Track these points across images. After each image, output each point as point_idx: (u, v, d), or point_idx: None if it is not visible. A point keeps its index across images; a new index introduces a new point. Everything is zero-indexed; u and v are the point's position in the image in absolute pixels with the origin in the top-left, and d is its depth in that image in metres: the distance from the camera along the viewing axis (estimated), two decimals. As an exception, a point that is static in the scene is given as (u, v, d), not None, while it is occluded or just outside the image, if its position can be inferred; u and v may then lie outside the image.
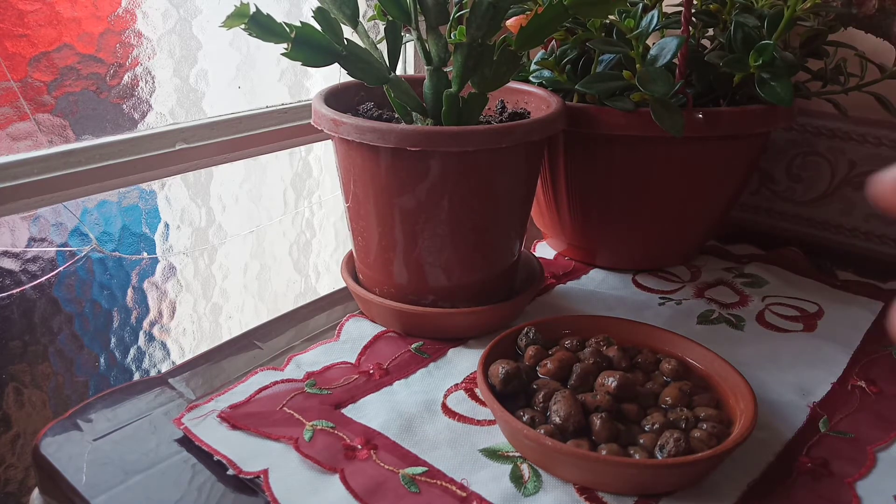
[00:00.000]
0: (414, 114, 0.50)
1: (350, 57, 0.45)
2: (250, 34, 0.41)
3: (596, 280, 0.63)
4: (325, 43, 0.44)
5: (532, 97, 0.57)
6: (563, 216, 0.64)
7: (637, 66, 0.50)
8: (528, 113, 0.56)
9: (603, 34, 0.55)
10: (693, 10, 0.57)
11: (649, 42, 0.53)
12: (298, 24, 0.42)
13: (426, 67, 0.48)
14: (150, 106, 0.58)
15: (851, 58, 0.61)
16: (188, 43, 0.56)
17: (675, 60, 0.53)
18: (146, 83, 0.55)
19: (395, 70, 0.49)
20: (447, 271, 0.50)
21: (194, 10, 0.56)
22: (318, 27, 0.44)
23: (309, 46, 0.43)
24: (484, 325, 0.52)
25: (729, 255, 0.69)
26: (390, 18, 0.48)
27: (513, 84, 0.58)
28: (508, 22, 0.58)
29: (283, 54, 0.42)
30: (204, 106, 0.60)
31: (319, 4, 0.46)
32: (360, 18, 0.49)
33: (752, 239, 0.73)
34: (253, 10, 0.40)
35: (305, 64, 0.44)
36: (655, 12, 0.50)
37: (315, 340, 0.52)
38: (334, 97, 0.53)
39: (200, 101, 0.60)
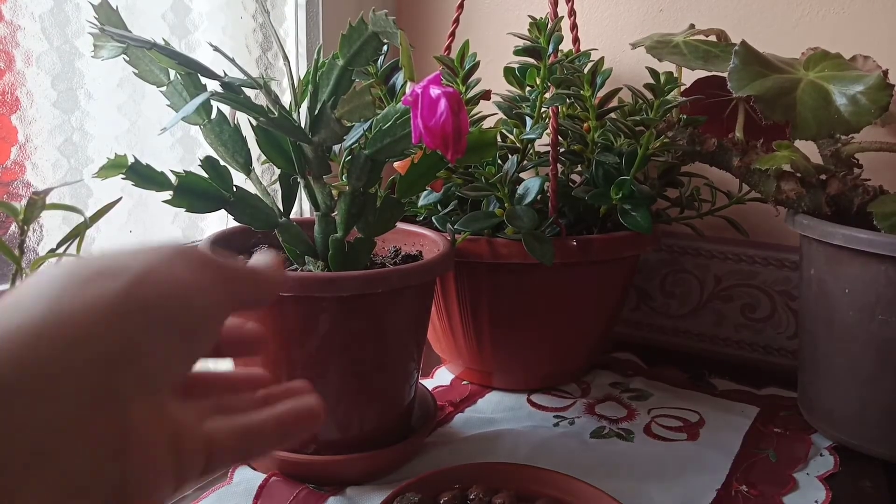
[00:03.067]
0: (307, 258, 0.52)
1: (238, 203, 0.47)
2: (134, 185, 0.42)
3: (492, 403, 0.64)
4: (211, 190, 0.45)
5: (426, 240, 0.59)
6: (458, 341, 0.66)
7: (506, 204, 0.55)
8: (422, 255, 0.57)
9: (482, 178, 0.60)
10: (561, 150, 0.64)
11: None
12: (182, 173, 0.44)
13: (314, 213, 0.50)
14: (36, 254, 0.57)
15: (704, 186, 0.69)
16: (79, 191, 0.57)
17: (549, 194, 0.58)
18: (34, 233, 0.55)
19: (289, 213, 0.50)
20: (333, 419, 0.49)
21: (85, 159, 0.57)
22: (205, 174, 0.45)
23: (193, 194, 0.44)
24: (376, 471, 0.52)
25: (616, 363, 0.74)
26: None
27: (406, 227, 0.60)
28: (396, 164, 0.62)
29: (165, 202, 0.44)
30: (93, 250, 0.60)
31: (212, 153, 0.48)
32: (255, 163, 0.51)
33: (635, 352, 0.77)
34: (131, 160, 0.41)
35: (190, 210, 0.45)
36: (515, 158, 0.55)
37: (206, 487, 0.50)
38: (224, 241, 0.54)
39: (90, 247, 0.60)
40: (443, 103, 0.37)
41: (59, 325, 0.23)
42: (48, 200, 0.46)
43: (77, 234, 0.46)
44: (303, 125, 0.47)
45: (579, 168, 0.68)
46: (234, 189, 0.47)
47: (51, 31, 0.55)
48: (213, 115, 0.48)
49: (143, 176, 0.42)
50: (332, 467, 0.50)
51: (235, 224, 0.54)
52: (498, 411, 0.63)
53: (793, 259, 0.74)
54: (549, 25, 0.59)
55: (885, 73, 0.59)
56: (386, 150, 0.46)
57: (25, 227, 0.46)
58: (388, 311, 0.49)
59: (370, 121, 0.45)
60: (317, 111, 0.45)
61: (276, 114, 0.43)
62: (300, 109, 0.48)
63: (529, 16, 0.62)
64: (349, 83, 0.46)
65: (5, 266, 0.52)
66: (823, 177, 0.61)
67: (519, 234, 0.57)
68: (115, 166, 0.41)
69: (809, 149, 0.62)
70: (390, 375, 0.51)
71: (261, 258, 0.35)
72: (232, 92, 0.44)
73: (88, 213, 0.46)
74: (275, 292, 0.33)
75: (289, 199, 0.51)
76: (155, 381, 0.25)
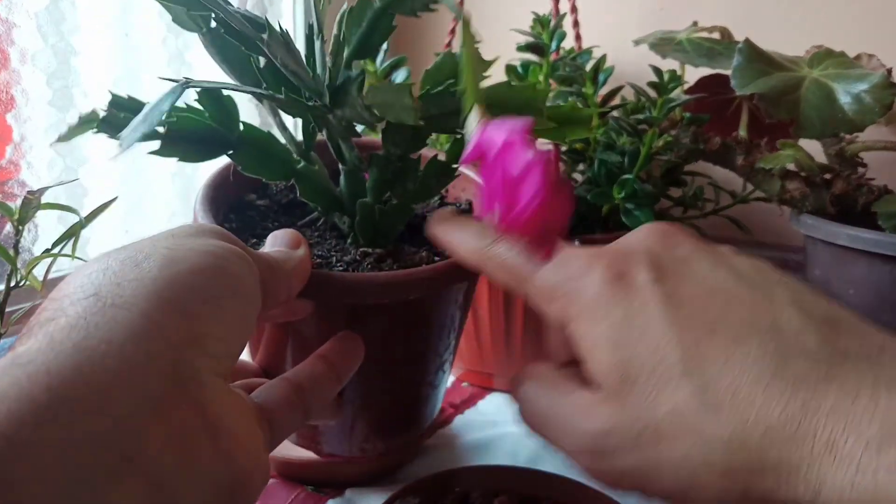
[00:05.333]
0: (336, 214, 0.41)
1: (245, 146, 0.36)
2: (110, 137, 0.33)
3: (493, 405, 0.64)
4: (210, 131, 0.35)
5: (478, 188, 0.44)
6: (459, 342, 0.66)
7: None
8: (471, 208, 0.45)
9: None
10: (563, 149, 0.63)
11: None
12: (173, 116, 0.34)
13: (341, 167, 0.39)
14: (32, 254, 0.56)
15: (707, 185, 0.68)
16: (74, 190, 0.57)
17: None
18: (29, 233, 0.55)
19: (311, 148, 0.39)
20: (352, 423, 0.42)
21: (81, 158, 0.57)
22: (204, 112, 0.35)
23: (187, 139, 0.34)
24: (375, 472, 0.51)
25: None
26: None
27: (463, 168, 0.45)
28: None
29: (151, 153, 0.34)
30: (88, 250, 0.59)
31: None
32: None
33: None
34: (103, 113, 0.33)
35: (183, 160, 0.35)
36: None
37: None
38: (222, 190, 0.41)
39: (85, 247, 0.59)
40: (536, 178, 0.25)
41: (112, 323, 0.21)
42: (43, 200, 0.45)
43: (72, 233, 0.46)
44: (320, 68, 0.35)
45: (581, 167, 0.67)
46: (242, 126, 0.36)
47: (46, 28, 0.54)
48: (214, 24, 0.35)
49: (121, 128, 0.32)
50: (332, 469, 0.50)
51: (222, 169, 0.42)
52: (499, 413, 0.62)
53: (797, 259, 0.73)
54: (552, 22, 0.59)
55: (890, 71, 0.58)
56: (433, 121, 0.36)
57: (20, 227, 0.45)
58: (423, 313, 0.39)
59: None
60: (339, 80, 0.34)
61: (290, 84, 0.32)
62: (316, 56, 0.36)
63: (532, 12, 0.61)
64: (387, 30, 0.35)
65: (1, 266, 0.51)
66: (828, 176, 0.60)
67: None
68: (86, 123, 0.33)
69: (813, 148, 0.62)
70: (415, 385, 0.42)
71: (276, 240, 0.33)
72: (229, 28, 0.33)
73: (84, 213, 0.46)
74: (298, 285, 0.32)
75: (309, 139, 0.39)
76: (220, 362, 0.24)
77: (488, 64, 0.35)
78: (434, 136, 0.59)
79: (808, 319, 0.26)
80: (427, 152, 0.40)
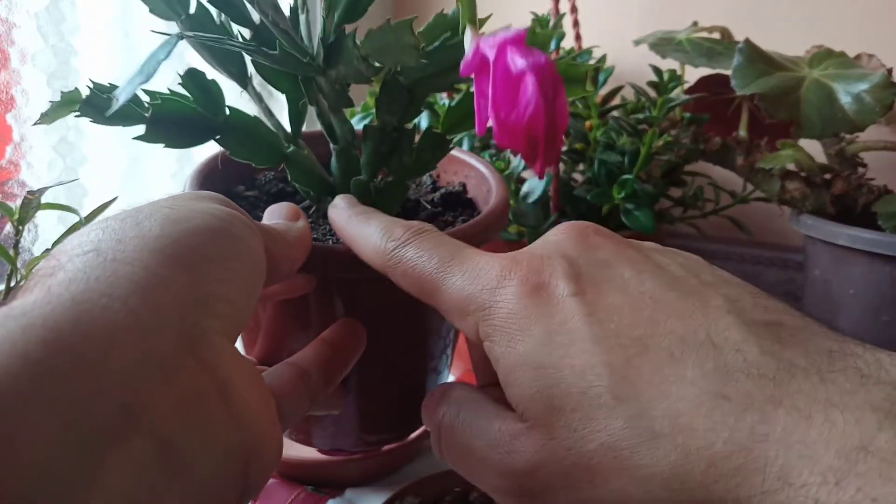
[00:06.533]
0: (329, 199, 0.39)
1: (231, 130, 0.35)
2: (93, 121, 0.33)
3: (493, 404, 0.64)
4: (195, 116, 0.34)
5: (472, 171, 0.45)
6: (459, 342, 0.66)
7: (511, 202, 0.54)
8: (465, 190, 0.45)
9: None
10: (563, 149, 0.63)
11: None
12: (157, 99, 0.33)
13: (332, 147, 0.38)
14: (31, 254, 0.56)
15: (707, 185, 0.68)
16: (74, 190, 0.57)
17: (551, 194, 0.58)
18: (29, 233, 0.55)
19: (299, 136, 0.38)
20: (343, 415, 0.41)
21: (81, 158, 0.57)
22: (188, 96, 0.34)
23: (172, 124, 0.33)
24: (375, 472, 0.51)
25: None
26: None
27: (453, 151, 0.45)
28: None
29: (136, 138, 0.33)
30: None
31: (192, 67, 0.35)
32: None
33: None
34: (86, 93, 0.32)
35: (169, 146, 0.34)
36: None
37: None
38: (210, 180, 0.40)
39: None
40: (530, 85, 0.24)
41: (116, 271, 0.20)
42: (43, 200, 0.45)
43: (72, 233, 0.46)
44: (306, 38, 0.34)
45: (581, 167, 0.67)
46: (227, 110, 0.35)
47: (46, 28, 0.54)
48: (193, 9, 0.35)
49: (104, 110, 0.31)
50: (331, 469, 0.50)
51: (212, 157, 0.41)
52: (499, 413, 0.62)
53: (797, 259, 0.73)
54: (551, 22, 0.59)
55: (890, 71, 0.58)
56: (429, 81, 0.35)
57: (20, 227, 0.45)
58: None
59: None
60: (332, 37, 0.33)
61: (282, 43, 0.31)
62: (303, 21, 0.35)
63: (531, 12, 0.61)
64: None
65: (1, 266, 0.51)
66: (828, 176, 0.60)
67: (518, 232, 0.56)
68: (67, 103, 0.32)
69: (813, 148, 0.62)
70: (418, 369, 0.42)
71: (274, 213, 0.32)
72: None
73: (84, 213, 0.46)
74: (301, 256, 0.30)
75: (297, 123, 0.39)
76: (227, 325, 0.23)
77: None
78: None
79: (748, 329, 0.22)
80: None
